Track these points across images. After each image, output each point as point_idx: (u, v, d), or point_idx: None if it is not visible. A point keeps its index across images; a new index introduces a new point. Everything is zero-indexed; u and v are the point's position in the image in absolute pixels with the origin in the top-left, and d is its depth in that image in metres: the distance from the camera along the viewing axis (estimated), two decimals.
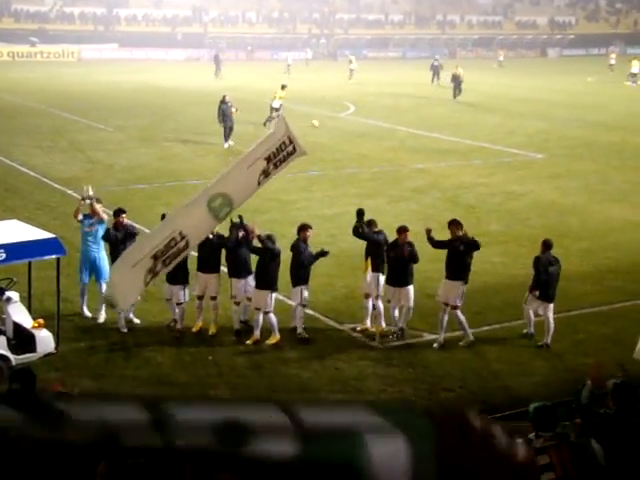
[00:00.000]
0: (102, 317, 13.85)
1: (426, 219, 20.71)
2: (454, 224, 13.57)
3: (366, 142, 31.97)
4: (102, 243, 13.97)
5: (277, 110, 34.78)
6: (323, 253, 13.70)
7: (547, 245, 13.61)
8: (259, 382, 11.84)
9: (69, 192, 22.66)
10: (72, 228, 19.30)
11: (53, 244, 12.19)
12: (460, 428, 2.83)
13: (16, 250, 11.89)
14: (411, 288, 13.57)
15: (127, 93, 45.64)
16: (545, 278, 13.24)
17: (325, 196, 22.83)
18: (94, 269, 14.02)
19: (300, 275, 13.46)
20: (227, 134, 30.22)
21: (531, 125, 36.77)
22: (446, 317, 13.35)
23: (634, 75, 56.38)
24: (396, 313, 13.69)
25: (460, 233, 13.45)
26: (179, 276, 13.00)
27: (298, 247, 13.48)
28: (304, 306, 13.51)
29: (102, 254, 14.03)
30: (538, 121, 37.99)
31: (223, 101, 30.46)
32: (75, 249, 16.92)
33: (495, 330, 14.02)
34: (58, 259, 12.23)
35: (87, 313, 14.06)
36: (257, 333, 13.18)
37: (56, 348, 12.19)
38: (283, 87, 35.67)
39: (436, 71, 54.39)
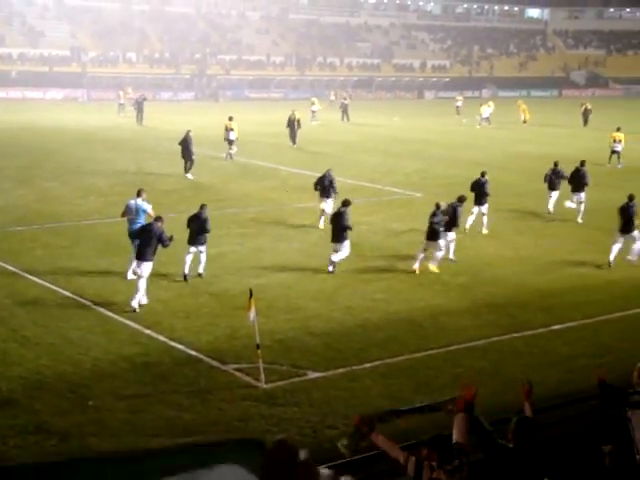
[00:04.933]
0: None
1: (309, 257, 20.91)
2: None
3: (249, 181, 32.05)
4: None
5: (232, 142, 36.83)
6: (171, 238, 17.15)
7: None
8: (140, 426, 11.58)
9: None
10: None
11: None
12: (288, 460, 3.13)
13: None
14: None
15: (3, 133, 44.40)
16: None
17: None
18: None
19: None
20: (189, 167, 32.27)
21: (409, 164, 37.64)
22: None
23: (485, 119, 57.86)
24: None
25: None
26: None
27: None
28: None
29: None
30: (416, 160, 38.94)
31: (187, 136, 32.34)
32: None
33: (377, 366, 14.16)
34: None
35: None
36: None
37: None
38: (231, 118, 37.76)
39: (345, 110, 57.38)
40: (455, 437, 6.61)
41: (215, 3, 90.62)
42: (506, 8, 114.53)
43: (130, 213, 19.10)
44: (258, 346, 13.19)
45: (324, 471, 4.45)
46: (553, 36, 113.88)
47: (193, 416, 11.98)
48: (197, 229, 18.81)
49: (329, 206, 24.25)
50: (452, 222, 20.83)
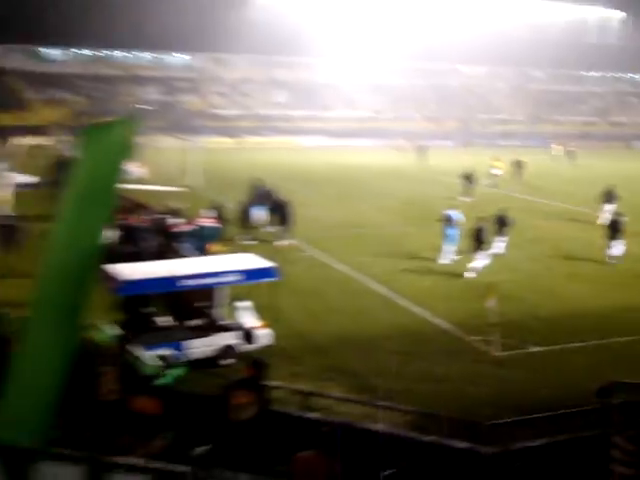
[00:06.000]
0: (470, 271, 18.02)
1: (535, 261, 20.05)
2: None
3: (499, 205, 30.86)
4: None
5: (496, 176, 37.03)
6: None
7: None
8: (406, 374, 11.68)
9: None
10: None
11: (272, 271, 12.59)
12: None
13: (252, 274, 12.39)
14: None
15: (324, 170, 46.26)
16: None
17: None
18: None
19: None
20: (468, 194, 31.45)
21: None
22: None
23: None
24: None
25: None
26: None
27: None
28: None
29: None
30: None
31: (471, 173, 32.04)
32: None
33: (584, 347, 13.38)
34: (274, 281, 12.40)
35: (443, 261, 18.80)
36: None
37: (273, 343, 12.55)
38: (497, 159, 38.14)
39: (571, 156, 54.69)
40: None
41: (474, 77, 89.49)
42: None
43: (446, 220, 19.71)
44: (493, 324, 12.88)
45: None
46: None
47: (442, 370, 12.02)
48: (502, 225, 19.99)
49: (611, 210, 24.28)
50: None
